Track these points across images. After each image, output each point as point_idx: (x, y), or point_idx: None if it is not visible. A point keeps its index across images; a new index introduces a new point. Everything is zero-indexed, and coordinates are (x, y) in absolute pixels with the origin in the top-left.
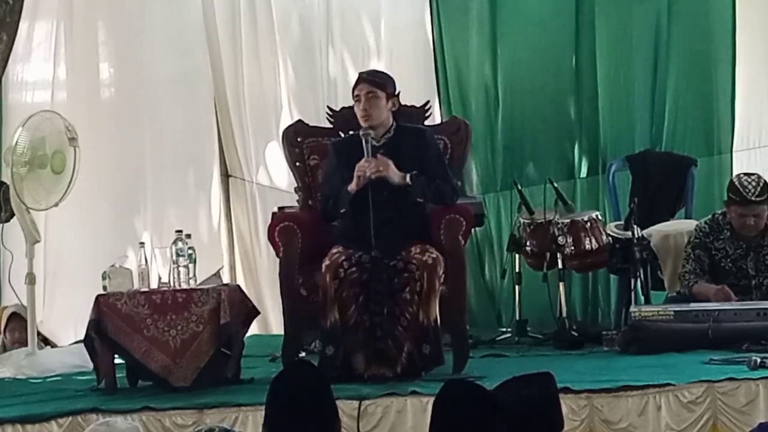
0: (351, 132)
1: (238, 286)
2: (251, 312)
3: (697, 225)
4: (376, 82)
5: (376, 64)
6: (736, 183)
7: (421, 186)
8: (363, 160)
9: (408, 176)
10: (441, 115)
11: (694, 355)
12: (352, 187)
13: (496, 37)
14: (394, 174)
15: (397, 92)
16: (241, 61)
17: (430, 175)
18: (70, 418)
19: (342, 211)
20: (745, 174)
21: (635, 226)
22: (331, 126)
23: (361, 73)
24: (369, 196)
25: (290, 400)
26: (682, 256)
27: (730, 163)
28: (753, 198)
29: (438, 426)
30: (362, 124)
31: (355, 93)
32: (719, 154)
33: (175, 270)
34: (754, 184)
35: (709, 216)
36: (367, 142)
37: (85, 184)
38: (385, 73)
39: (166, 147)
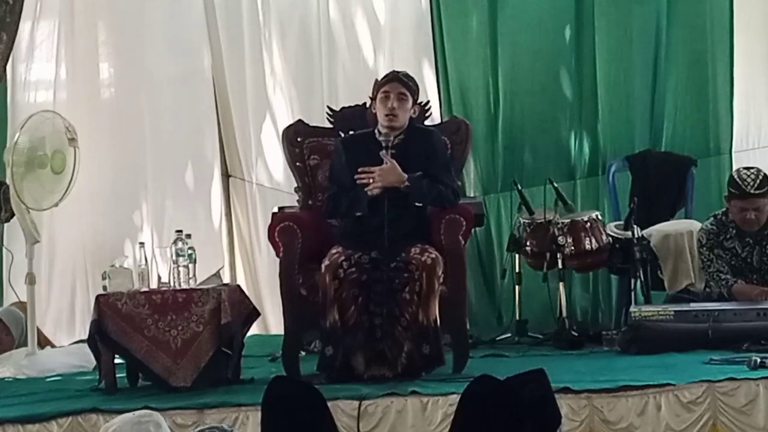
0: (352, 131)
1: (238, 286)
2: (251, 312)
3: (702, 229)
4: (408, 86)
5: (376, 64)
6: (736, 177)
7: (421, 190)
8: (383, 166)
9: (407, 180)
10: (441, 115)
11: (694, 355)
12: (373, 192)
13: (497, 37)
14: (399, 178)
15: (420, 102)
16: (242, 61)
17: (434, 175)
18: (70, 418)
19: (358, 214)
20: (745, 168)
21: (635, 226)
22: (331, 126)
23: (395, 72)
24: (384, 200)
25: (290, 420)
26: (683, 257)
27: (730, 164)
28: (752, 191)
29: (465, 421)
30: (383, 122)
31: (385, 89)
32: (719, 154)
33: (175, 270)
34: (753, 177)
35: (710, 218)
36: (387, 152)
37: (85, 183)
38: (415, 80)
39: (167, 147)
